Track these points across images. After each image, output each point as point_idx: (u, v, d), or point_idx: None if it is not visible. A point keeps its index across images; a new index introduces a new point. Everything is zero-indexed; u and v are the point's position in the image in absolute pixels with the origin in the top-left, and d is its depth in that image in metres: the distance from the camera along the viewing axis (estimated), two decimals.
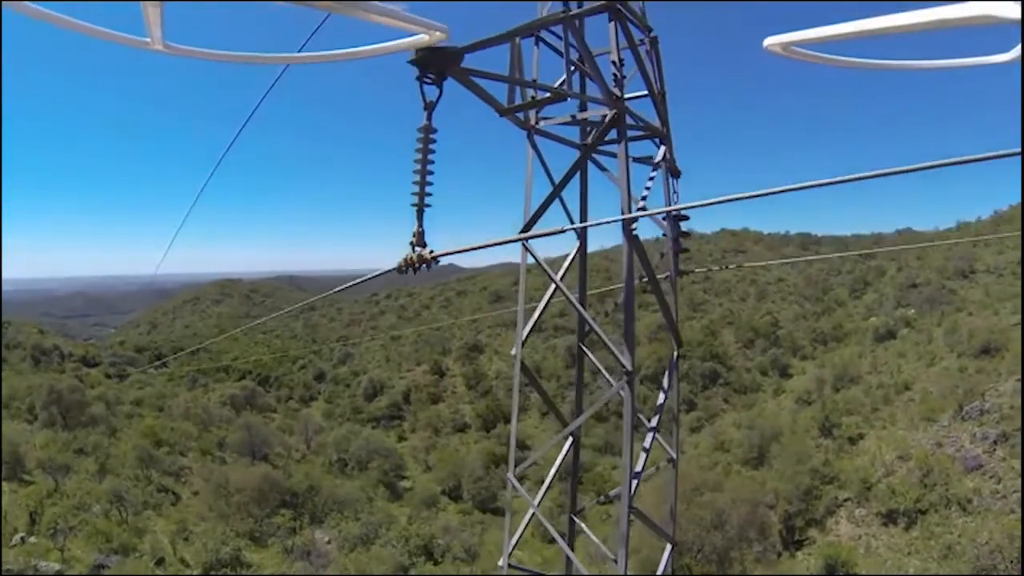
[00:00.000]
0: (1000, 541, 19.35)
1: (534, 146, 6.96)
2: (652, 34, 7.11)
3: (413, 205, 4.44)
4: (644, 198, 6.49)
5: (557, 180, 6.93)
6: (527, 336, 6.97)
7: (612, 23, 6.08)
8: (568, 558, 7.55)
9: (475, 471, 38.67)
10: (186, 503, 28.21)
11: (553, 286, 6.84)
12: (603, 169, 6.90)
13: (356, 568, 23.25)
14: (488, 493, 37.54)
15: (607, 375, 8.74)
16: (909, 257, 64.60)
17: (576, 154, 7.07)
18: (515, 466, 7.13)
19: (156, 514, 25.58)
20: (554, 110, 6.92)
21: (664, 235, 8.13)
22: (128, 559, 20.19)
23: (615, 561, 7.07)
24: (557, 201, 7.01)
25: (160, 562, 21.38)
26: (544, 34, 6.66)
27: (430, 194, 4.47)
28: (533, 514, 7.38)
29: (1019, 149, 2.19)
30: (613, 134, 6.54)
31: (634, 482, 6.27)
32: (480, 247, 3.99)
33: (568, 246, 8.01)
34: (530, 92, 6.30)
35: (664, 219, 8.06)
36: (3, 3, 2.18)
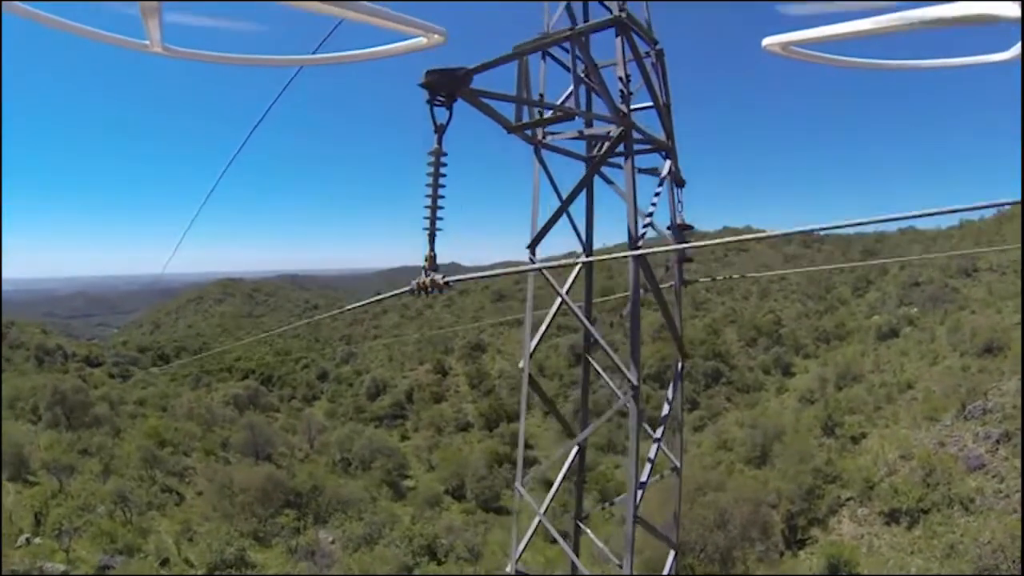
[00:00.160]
0: (1002, 541, 19.34)
1: (541, 161, 6.98)
2: (658, 47, 7.09)
3: (425, 230, 4.35)
4: (650, 215, 6.50)
5: (563, 191, 6.97)
6: (534, 349, 7.02)
7: (619, 38, 6.08)
8: (572, 561, 7.66)
9: (478, 470, 38.66)
10: (190, 503, 28.26)
11: (559, 300, 6.89)
12: (609, 182, 6.92)
13: (360, 568, 23.32)
14: (491, 492, 37.51)
15: (608, 380, 8.82)
16: (911, 254, 64.37)
17: (582, 166, 7.10)
18: (523, 476, 7.19)
19: (160, 514, 25.63)
20: (561, 124, 6.92)
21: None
22: (133, 560, 20.27)
23: (619, 565, 7.15)
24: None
25: (165, 562, 21.43)
26: (551, 48, 6.66)
27: (441, 218, 4.39)
28: (539, 520, 7.48)
29: (1019, 198, 2.22)
30: (619, 147, 6.56)
31: (639, 492, 6.33)
32: (491, 275, 4.03)
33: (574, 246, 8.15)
34: (537, 109, 6.29)
35: (668, 227, 8.11)
36: (3, 4, 2.13)
